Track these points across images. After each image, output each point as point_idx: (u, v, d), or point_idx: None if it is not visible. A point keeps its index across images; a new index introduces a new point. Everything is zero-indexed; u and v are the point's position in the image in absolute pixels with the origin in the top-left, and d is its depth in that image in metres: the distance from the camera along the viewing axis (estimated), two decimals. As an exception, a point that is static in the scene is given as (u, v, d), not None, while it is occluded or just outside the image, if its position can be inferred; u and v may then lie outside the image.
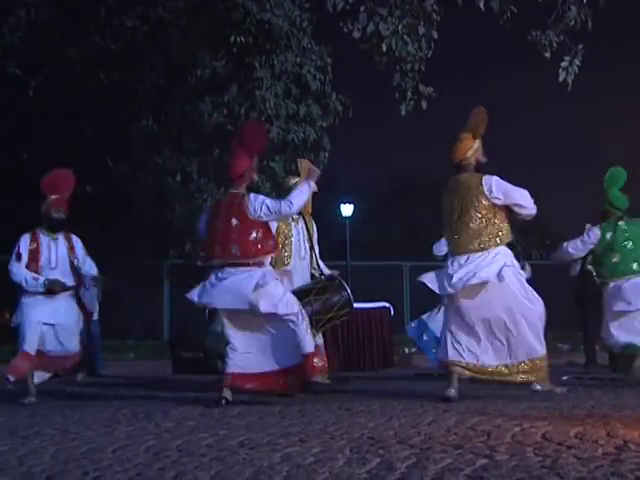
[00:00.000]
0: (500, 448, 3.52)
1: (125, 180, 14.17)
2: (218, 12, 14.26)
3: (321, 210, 8.52)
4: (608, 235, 7.25)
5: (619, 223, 7.28)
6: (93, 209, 12.96)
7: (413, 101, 9.91)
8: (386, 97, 10.67)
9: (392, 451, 3.51)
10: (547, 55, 9.28)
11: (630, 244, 7.16)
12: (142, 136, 14.61)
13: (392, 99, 10.00)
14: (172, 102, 14.85)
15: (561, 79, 9.11)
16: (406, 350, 13.44)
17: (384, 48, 9.22)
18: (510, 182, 6.15)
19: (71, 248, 7.24)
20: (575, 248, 7.42)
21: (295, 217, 7.42)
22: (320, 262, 7.45)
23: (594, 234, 7.32)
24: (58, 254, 7.12)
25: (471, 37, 62.53)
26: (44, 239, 7.11)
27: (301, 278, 7.25)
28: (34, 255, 7.03)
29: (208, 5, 14.16)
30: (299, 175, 7.50)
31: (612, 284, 7.25)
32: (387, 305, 11.58)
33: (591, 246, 7.33)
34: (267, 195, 15.32)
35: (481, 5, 9.12)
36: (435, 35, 9.57)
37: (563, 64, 9.11)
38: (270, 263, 7.21)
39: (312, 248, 7.43)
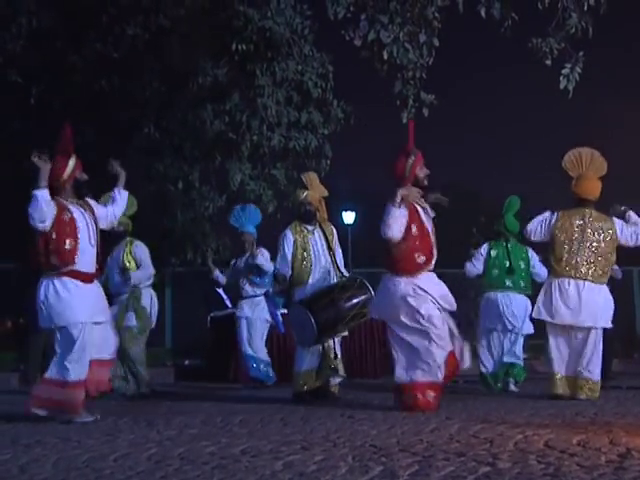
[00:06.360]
0: (503, 456, 3.51)
1: (126, 187, 14.17)
2: (219, 20, 14.26)
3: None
4: (493, 252, 8.27)
5: (505, 244, 8.29)
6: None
7: (414, 109, 9.91)
8: (388, 104, 10.66)
9: (395, 459, 3.51)
10: (548, 62, 9.27)
11: (508, 262, 8.19)
12: (143, 143, 14.62)
13: (393, 106, 10.00)
14: (173, 109, 14.84)
15: (562, 86, 9.10)
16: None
17: (385, 56, 9.22)
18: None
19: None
20: (471, 267, 8.37)
21: (310, 228, 7.42)
22: (341, 267, 7.45)
23: (483, 249, 8.33)
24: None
25: (472, 44, 62.59)
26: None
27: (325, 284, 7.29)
28: None
29: (209, 13, 14.18)
30: (307, 188, 7.51)
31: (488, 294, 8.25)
32: (389, 312, 11.54)
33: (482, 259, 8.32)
34: (268, 203, 15.27)
35: (482, 12, 9.12)
36: (436, 42, 9.56)
37: (564, 71, 9.10)
38: (291, 277, 7.29)
39: (333, 255, 7.43)
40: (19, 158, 14.58)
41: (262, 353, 9.48)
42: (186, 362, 12.02)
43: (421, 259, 6.06)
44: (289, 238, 7.34)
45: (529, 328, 8.28)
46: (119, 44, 14.20)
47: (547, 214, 7.13)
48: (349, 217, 29.41)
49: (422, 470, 3.22)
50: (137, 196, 8.23)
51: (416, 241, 6.06)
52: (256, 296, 9.53)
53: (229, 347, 10.29)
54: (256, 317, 9.48)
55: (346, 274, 7.52)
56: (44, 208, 5.60)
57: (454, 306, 6.18)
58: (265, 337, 9.63)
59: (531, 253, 8.39)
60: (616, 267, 10.47)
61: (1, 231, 13.73)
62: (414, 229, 6.08)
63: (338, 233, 7.75)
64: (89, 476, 3.33)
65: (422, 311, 5.94)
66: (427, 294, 6.00)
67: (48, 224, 5.67)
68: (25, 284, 12.21)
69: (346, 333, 7.45)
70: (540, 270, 8.22)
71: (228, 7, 14.15)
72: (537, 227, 7.15)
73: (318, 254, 7.35)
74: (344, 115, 15.56)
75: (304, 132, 15.23)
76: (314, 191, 7.51)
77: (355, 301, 6.99)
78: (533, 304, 7.42)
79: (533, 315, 7.24)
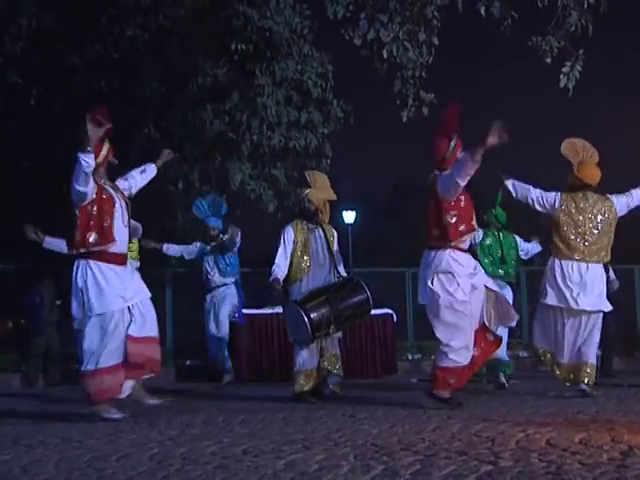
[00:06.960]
0: (504, 454, 3.51)
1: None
2: (219, 20, 14.27)
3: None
4: (488, 240, 8.52)
5: (498, 233, 8.61)
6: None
7: (414, 108, 9.90)
8: (387, 104, 10.68)
9: (396, 458, 3.51)
10: (548, 61, 9.26)
11: (500, 252, 8.50)
12: (143, 144, 14.62)
13: (393, 106, 10.00)
14: (173, 110, 14.84)
15: (562, 85, 9.09)
16: (409, 357, 13.41)
17: (385, 55, 9.21)
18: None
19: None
20: None
21: (311, 226, 7.40)
22: (340, 268, 7.42)
23: (478, 234, 8.31)
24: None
25: (472, 43, 62.65)
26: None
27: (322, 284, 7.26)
28: None
29: (209, 13, 14.18)
30: (309, 186, 7.48)
31: None
32: (390, 312, 11.54)
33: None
34: (268, 203, 15.25)
35: (482, 11, 9.12)
36: (436, 41, 9.55)
37: (564, 70, 9.09)
38: (289, 272, 7.25)
39: (332, 255, 7.39)
40: (19, 158, 14.63)
41: (225, 333, 9.73)
42: (187, 362, 12.03)
43: (465, 230, 6.16)
44: (290, 234, 7.32)
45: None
46: (119, 45, 14.21)
47: (552, 192, 7.17)
48: (349, 216, 29.42)
49: (424, 469, 3.22)
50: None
51: (463, 212, 6.14)
52: (225, 285, 9.78)
53: (230, 347, 10.29)
54: (224, 297, 9.74)
55: (344, 275, 7.49)
56: (89, 173, 5.48)
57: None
58: (229, 319, 9.85)
59: (518, 240, 8.78)
60: (613, 277, 10.49)
61: (1, 231, 13.73)
62: (463, 200, 6.16)
63: (338, 232, 7.73)
64: (91, 476, 3.33)
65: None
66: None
67: (90, 192, 5.61)
68: (25, 285, 12.27)
69: (339, 335, 7.40)
70: (530, 249, 8.97)
71: (228, 7, 14.15)
72: (540, 195, 7.17)
73: (317, 253, 7.32)
74: (344, 114, 15.56)
75: (304, 132, 15.22)
76: (317, 190, 7.46)
77: (351, 301, 6.98)
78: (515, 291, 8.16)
79: (548, 301, 7.13)
